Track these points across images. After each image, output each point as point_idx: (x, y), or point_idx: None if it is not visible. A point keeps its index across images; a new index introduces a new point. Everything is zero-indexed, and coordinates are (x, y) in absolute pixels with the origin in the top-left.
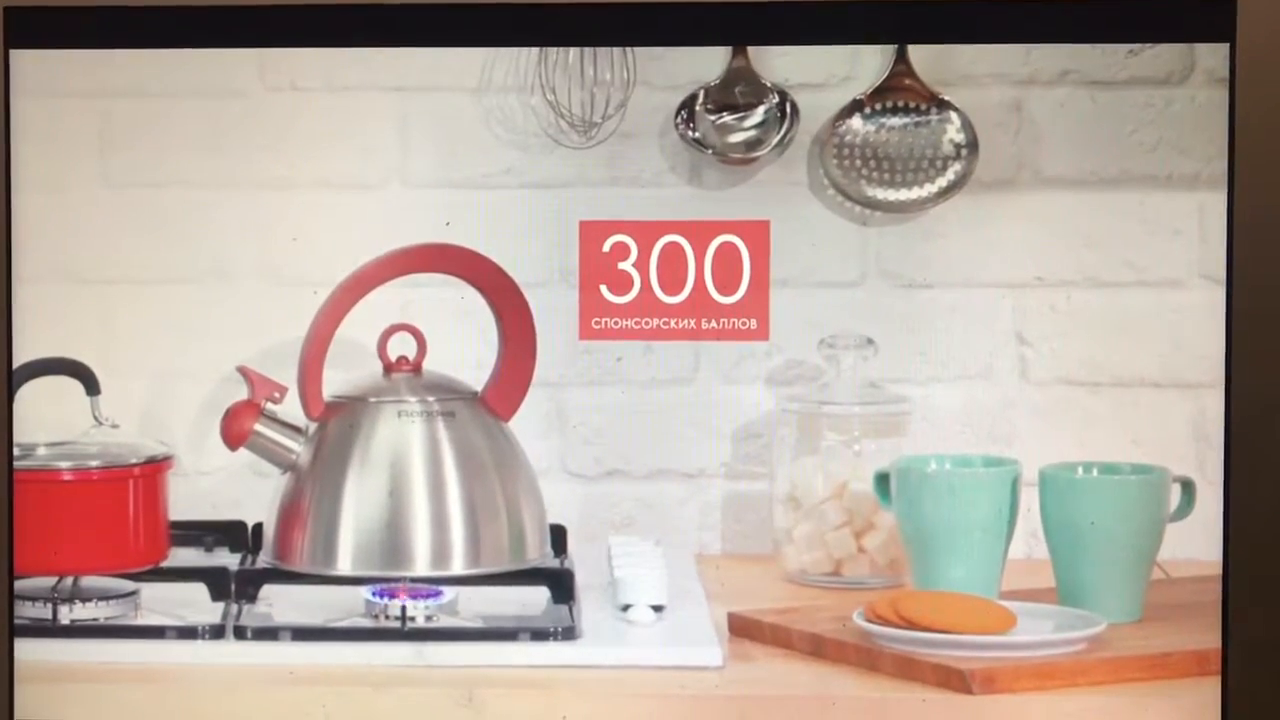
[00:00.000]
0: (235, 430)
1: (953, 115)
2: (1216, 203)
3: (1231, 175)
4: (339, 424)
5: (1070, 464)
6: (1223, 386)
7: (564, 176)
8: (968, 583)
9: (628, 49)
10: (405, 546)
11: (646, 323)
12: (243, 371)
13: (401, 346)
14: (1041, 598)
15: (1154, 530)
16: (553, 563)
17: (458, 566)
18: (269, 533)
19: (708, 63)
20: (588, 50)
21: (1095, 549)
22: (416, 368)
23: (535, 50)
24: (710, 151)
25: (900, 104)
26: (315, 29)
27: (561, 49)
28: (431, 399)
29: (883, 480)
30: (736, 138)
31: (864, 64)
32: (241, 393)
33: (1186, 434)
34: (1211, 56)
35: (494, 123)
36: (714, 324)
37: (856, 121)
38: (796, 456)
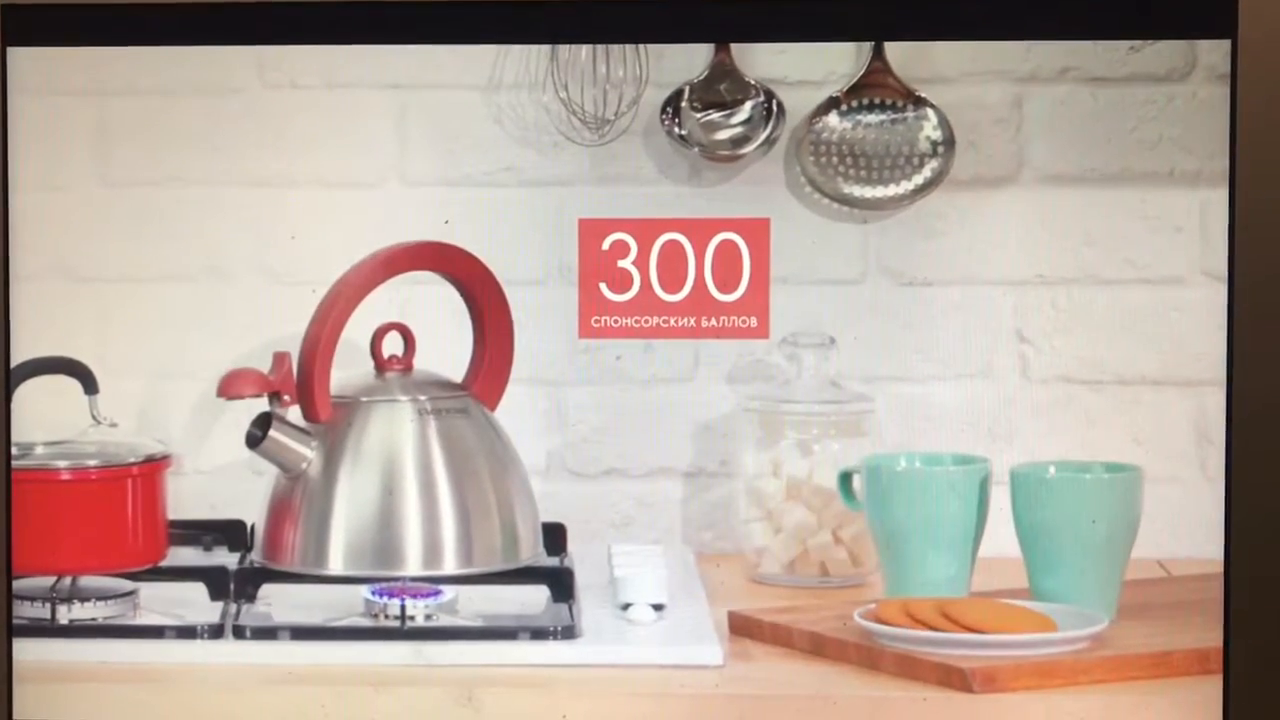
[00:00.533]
0: (232, 386)
1: (930, 112)
2: (1218, 200)
3: (1233, 172)
4: (331, 423)
5: (1042, 463)
6: (1224, 384)
7: (563, 174)
8: (938, 581)
9: (640, 46)
10: (397, 546)
11: (646, 321)
12: (278, 355)
13: (393, 345)
14: (1014, 598)
15: (1127, 530)
16: (550, 561)
17: (450, 566)
18: (260, 532)
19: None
20: (599, 48)
21: (1067, 549)
22: (408, 366)
23: (545, 48)
24: (696, 149)
25: (877, 101)
26: (316, 26)
27: (572, 46)
28: (423, 398)
29: (846, 479)
30: (723, 135)
31: (852, 61)
32: (240, 406)
33: (1187, 432)
34: (1213, 53)
35: (505, 120)
36: (714, 322)
37: (833, 119)
38: (758, 454)
